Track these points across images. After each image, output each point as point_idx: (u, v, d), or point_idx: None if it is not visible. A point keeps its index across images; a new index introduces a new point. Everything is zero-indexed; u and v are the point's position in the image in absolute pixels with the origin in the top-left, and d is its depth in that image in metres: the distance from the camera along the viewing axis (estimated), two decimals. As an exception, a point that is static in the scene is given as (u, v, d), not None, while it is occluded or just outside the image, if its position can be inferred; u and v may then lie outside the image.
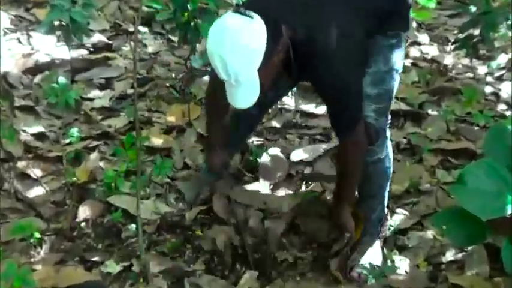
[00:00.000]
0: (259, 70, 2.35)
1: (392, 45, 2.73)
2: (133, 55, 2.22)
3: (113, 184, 3.23)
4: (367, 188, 2.95)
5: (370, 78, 2.71)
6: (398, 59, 2.76)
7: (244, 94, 2.41)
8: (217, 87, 2.55)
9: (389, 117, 2.85)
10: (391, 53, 2.73)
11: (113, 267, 2.86)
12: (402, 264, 2.94)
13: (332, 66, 2.49)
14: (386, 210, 3.05)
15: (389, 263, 2.93)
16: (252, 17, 2.33)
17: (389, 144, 2.90)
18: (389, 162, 2.92)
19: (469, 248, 2.97)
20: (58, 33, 3.91)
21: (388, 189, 3.00)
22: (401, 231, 3.16)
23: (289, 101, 4.12)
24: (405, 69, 4.47)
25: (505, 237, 2.49)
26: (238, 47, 2.31)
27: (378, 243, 3.00)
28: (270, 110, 4.04)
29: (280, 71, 2.54)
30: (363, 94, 2.65)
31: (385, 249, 3.02)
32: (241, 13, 2.34)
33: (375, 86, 2.72)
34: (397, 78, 2.80)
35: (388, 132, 2.87)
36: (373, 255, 2.95)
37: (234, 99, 2.45)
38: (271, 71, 2.45)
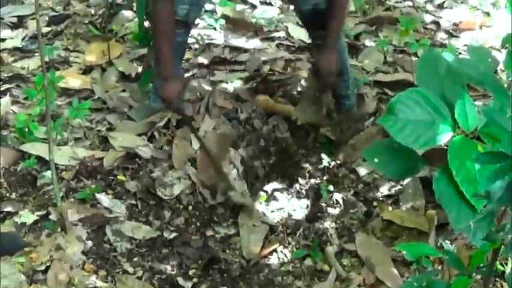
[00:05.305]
0: None
1: None
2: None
3: (26, 129, 3.16)
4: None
5: None
6: None
7: None
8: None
9: None
10: None
11: (27, 217, 2.81)
12: (336, 196, 2.98)
13: None
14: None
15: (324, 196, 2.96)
16: None
17: None
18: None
19: (405, 181, 3.01)
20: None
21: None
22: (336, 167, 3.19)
23: (217, 35, 4.08)
24: (341, -2, 4.48)
25: (438, 168, 2.53)
26: None
27: None
28: (197, 46, 4.02)
29: None
30: None
31: (320, 184, 3.05)
32: None
33: None
34: None
35: None
36: None
37: None
38: None
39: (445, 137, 2.50)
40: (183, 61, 3.82)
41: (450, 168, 2.40)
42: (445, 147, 2.51)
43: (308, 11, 3.09)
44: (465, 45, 4.13)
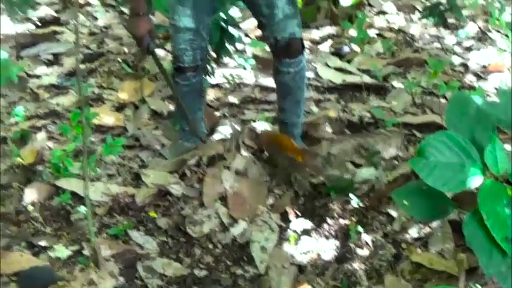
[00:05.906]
0: None
1: None
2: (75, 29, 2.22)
3: (61, 165, 3.23)
4: (293, 97, 3.35)
5: None
6: None
7: None
8: None
9: None
10: None
11: (61, 251, 2.86)
12: (365, 237, 3.00)
13: None
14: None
15: (353, 237, 2.98)
16: None
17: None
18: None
19: (434, 224, 3.03)
20: (1, 6, 3.89)
21: None
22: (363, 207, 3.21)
23: (247, 75, 4.14)
24: (370, 40, 4.55)
25: (468, 211, 2.54)
26: None
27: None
28: (228, 85, 4.09)
29: None
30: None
31: (348, 225, 3.07)
32: None
33: (290, 4, 3.12)
34: None
35: None
36: None
37: None
38: None
39: (475, 180, 2.51)
40: (214, 99, 3.91)
41: (480, 212, 2.41)
42: (475, 190, 2.53)
43: (284, 39, 3.16)
44: (494, 87, 4.16)
